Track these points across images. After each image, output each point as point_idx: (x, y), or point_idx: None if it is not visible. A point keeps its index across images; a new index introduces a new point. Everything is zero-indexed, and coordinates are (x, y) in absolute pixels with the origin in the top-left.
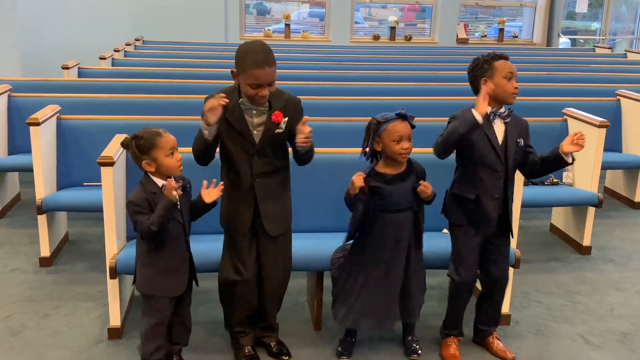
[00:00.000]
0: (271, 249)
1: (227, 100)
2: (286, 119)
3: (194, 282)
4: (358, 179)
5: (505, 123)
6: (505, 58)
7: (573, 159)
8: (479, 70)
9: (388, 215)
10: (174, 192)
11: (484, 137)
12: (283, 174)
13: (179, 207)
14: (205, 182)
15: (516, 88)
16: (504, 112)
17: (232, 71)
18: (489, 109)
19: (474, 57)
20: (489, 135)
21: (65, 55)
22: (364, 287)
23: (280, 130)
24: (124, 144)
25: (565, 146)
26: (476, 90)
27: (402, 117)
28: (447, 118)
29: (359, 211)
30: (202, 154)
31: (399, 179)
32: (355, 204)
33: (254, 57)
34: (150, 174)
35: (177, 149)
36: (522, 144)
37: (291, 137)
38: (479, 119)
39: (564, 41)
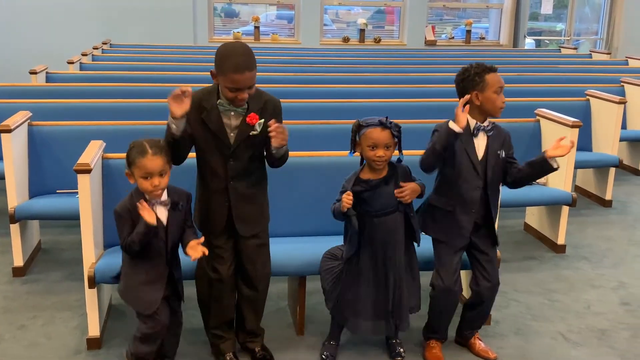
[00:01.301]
0: (249, 250)
1: (189, 89)
2: (262, 120)
3: (182, 293)
4: (347, 200)
5: (488, 136)
6: (495, 70)
7: (558, 165)
8: (470, 82)
9: (376, 219)
10: (146, 215)
11: (464, 152)
12: (258, 176)
13: (165, 225)
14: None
15: (504, 102)
16: (488, 125)
17: (211, 72)
18: (473, 122)
19: (462, 67)
20: (468, 151)
21: (31, 60)
22: (359, 291)
23: (255, 132)
24: None
25: (550, 151)
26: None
27: (382, 124)
28: (419, 120)
29: (355, 227)
30: (177, 152)
31: (383, 183)
32: (348, 220)
33: (234, 61)
34: None
35: (157, 175)
36: (503, 155)
37: (268, 140)
38: (456, 128)
39: (528, 42)
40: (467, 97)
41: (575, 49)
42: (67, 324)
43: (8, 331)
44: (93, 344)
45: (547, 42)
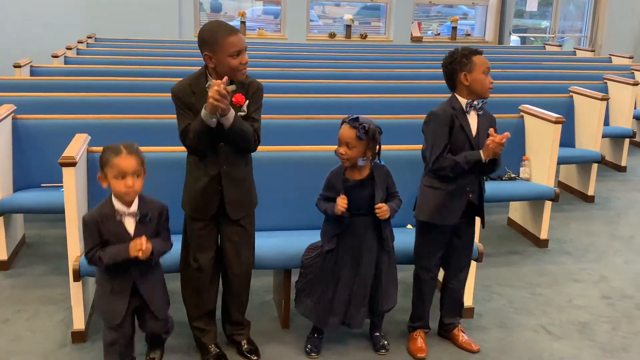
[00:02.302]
0: (233, 236)
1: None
2: (247, 101)
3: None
4: (342, 204)
5: (478, 115)
6: (481, 53)
7: (497, 164)
8: (458, 64)
9: (347, 219)
10: (138, 254)
11: (461, 130)
12: (246, 159)
13: (131, 237)
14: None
15: (492, 83)
16: (478, 104)
17: (205, 54)
18: (464, 101)
19: (449, 51)
20: (465, 128)
21: (15, 54)
22: (330, 285)
23: (243, 113)
24: None
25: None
26: (452, 83)
27: (349, 122)
28: (404, 115)
29: (339, 224)
30: (207, 142)
31: (359, 185)
32: (338, 220)
33: (224, 28)
34: (112, 193)
35: (130, 175)
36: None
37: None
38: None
39: (513, 39)
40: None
41: (559, 46)
42: (51, 317)
43: None
44: (78, 337)
45: (532, 39)
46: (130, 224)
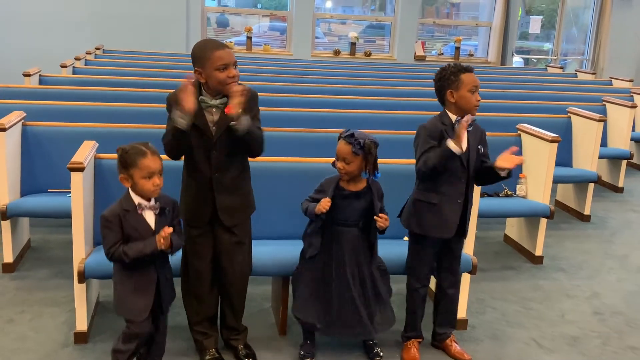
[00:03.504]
0: (227, 244)
1: (192, 80)
2: (240, 110)
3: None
4: (325, 204)
5: (468, 131)
6: (471, 71)
7: (509, 174)
8: (446, 81)
9: (336, 227)
10: (162, 242)
11: None
12: (241, 167)
13: (153, 230)
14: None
15: (479, 100)
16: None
17: (195, 70)
18: (453, 117)
19: (441, 67)
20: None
21: (24, 63)
22: (317, 290)
23: (235, 123)
24: (117, 152)
25: (497, 162)
26: (441, 98)
27: (345, 138)
28: (405, 131)
29: (318, 225)
30: (179, 147)
31: (354, 197)
32: (316, 220)
33: (212, 44)
34: (130, 190)
35: (157, 174)
36: (482, 151)
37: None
38: (457, 151)
39: (517, 60)
40: (468, 117)
41: (561, 68)
42: (54, 319)
43: None
44: (80, 338)
45: (535, 60)
46: (150, 217)
